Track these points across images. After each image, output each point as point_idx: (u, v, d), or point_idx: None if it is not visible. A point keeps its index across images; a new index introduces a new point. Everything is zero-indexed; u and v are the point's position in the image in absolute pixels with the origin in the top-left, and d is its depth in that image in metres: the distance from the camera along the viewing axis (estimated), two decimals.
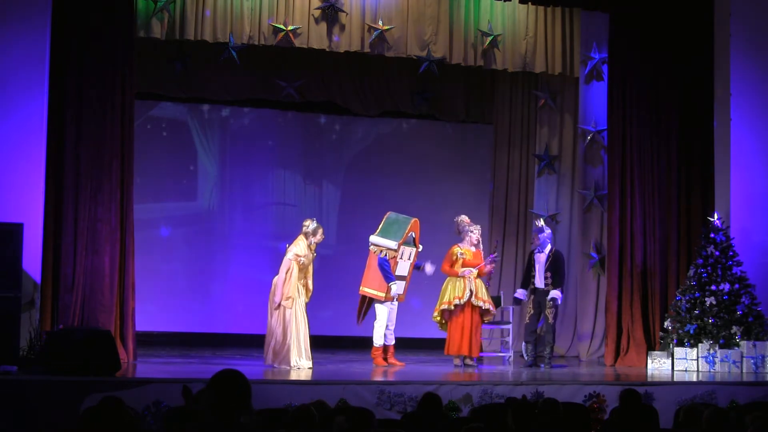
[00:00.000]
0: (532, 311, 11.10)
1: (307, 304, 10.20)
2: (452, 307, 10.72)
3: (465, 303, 10.71)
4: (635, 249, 11.56)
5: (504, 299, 11.97)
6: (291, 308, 9.95)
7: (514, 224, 13.52)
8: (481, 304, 10.75)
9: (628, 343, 11.41)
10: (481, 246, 11.06)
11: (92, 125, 10.16)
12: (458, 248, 10.89)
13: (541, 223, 11.35)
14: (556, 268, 11.06)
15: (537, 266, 11.10)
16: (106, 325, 9.83)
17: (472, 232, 10.95)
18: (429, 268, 11.00)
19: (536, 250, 11.16)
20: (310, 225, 10.25)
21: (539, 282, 11.08)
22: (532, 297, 11.11)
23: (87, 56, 10.17)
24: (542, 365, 11.08)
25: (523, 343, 11.32)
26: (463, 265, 10.80)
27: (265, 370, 9.84)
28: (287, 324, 9.94)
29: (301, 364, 9.90)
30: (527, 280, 11.22)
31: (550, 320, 11.06)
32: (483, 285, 10.89)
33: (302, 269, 10.10)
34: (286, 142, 13.78)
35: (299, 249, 10.12)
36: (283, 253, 10.23)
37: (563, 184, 13.25)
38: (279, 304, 9.95)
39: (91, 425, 4.96)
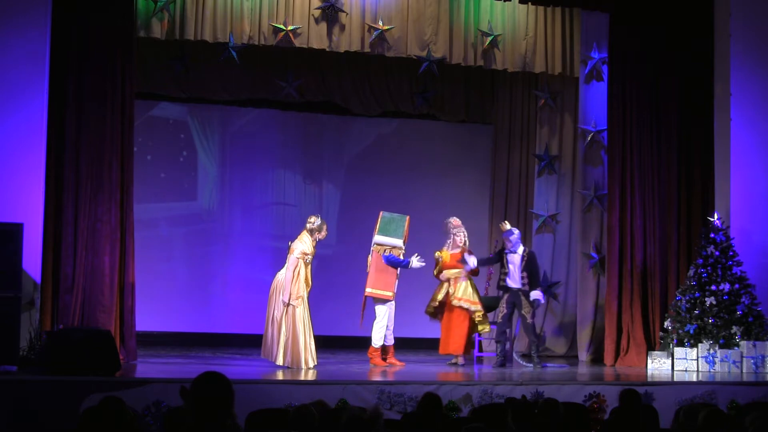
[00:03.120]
0: (504, 311, 11.10)
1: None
2: (431, 309, 11.10)
3: (445, 304, 10.97)
4: (635, 249, 11.56)
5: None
6: (300, 307, 9.97)
7: (513, 224, 13.47)
8: (461, 304, 10.86)
9: (628, 343, 11.42)
10: (462, 248, 11.07)
11: (92, 125, 10.16)
12: (437, 252, 11.14)
13: (508, 226, 11.36)
14: (531, 268, 11.10)
15: (511, 266, 11.12)
16: (106, 325, 9.83)
17: (456, 235, 11.06)
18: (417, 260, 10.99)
19: (509, 251, 11.17)
20: (315, 221, 10.27)
21: (514, 282, 11.08)
22: (506, 296, 11.12)
23: (87, 56, 10.17)
24: (530, 365, 11.08)
25: (496, 343, 11.30)
26: (443, 268, 11.04)
27: (265, 371, 9.84)
28: (297, 324, 9.95)
29: (310, 365, 9.94)
30: (487, 263, 11.33)
31: (528, 320, 11.06)
32: (468, 286, 10.93)
33: (307, 266, 10.13)
34: (286, 142, 13.78)
35: (306, 247, 10.15)
36: (285, 252, 10.22)
37: (563, 184, 13.24)
38: (288, 304, 9.96)
39: (91, 425, 4.96)
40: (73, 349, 8.62)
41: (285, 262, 10.17)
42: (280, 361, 9.93)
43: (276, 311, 10.02)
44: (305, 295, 10.08)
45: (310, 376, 9.41)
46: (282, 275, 10.09)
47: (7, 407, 7.84)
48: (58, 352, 8.62)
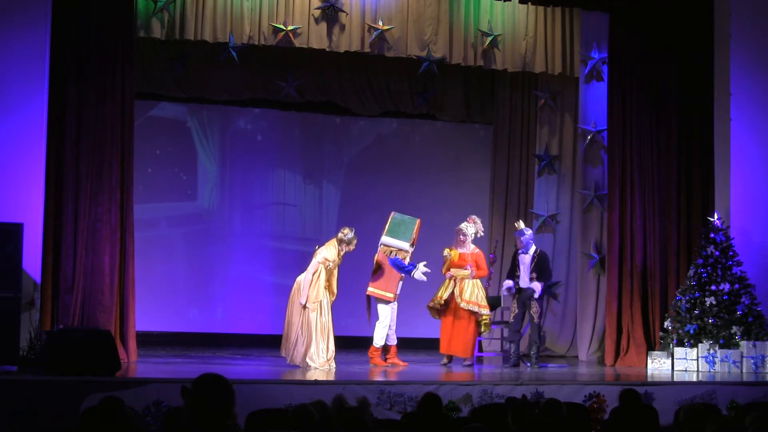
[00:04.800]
0: (516, 311, 11.12)
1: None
2: (437, 306, 11.00)
3: (450, 304, 10.92)
4: (635, 249, 11.56)
5: (504, 299, 11.97)
6: (315, 312, 9.99)
7: (514, 224, 13.51)
8: (465, 306, 10.86)
9: (628, 343, 11.42)
10: (469, 248, 11.07)
11: (92, 125, 10.16)
12: (447, 250, 11.10)
13: (521, 225, 11.38)
14: (541, 267, 11.10)
15: (522, 267, 11.12)
16: (106, 325, 9.83)
17: (457, 233, 11.05)
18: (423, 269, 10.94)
19: (521, 252, 11.18)
20: (348, 234, 10.29)
21: (524, 282, 11.08)
22: (517, 297, 11.13)
23: (87, 56, 10.17)
24: (528, 364, 11.09)
25: (508, 343, 11.34)
26: (451, 266, 11.01)
27: (265, 371, 9.85)
28: (312, 327, 9.98)
29: (320, 364, 9.95)
30: (512, 274, 11.26)
31: (536, 320, 11.06)
32: (475, 287, 10.93)
33: (328, 273, 10.14)
34: (286, 142, 13.77)
35: (330, 254, 10.17)
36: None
37: (563, 184, 13.24)
38: (305, 306, 9.98)
39: (91, 425, 4.96)
40: (73, 349, 8.62)
41: (305, 265, 10.24)
42: (297, 362, 9.98)
43: (294, 313, 10.05)
44: (325, 301, 10.10)
45: (311, 376, 9.41)
46: (302, 277, 10.12)
47: (7, 407, 7.84)
48: (58, 352, 8.62)
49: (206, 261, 13.37)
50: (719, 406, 8.19)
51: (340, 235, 10.31)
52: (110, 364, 8.69)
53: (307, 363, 9.95)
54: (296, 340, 10.02)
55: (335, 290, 10.28)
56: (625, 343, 11.45)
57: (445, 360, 11.10)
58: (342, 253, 10.30)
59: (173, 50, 12.41)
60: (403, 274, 10.71)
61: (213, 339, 12.95)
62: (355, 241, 10.34)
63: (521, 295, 11.10)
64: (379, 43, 11.37)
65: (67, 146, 10.05)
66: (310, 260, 10.23)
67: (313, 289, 10.03)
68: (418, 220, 10.97)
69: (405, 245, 10.73)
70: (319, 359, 9.96)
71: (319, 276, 10.08)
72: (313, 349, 9.97)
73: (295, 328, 10.03)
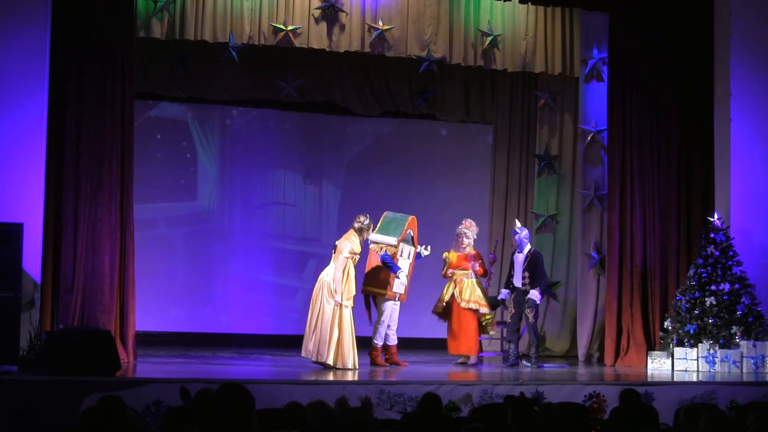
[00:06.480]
0: (513, 311, 11.14)
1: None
2: (440, 309, 11.22)
3: (452, 305, 11.07)
4: (635, 249, 11.56)
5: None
6: (349, 308, 9.98)
7: (513, 224, 13.51)
8: (464, 305, 10.93)
9: (628, 343, 11.42)
10: (467, 249, 11.12)
11: (92, 125, 10.16)
12: (445, 253, 11.25)
13: (516, 224, 11.42)
14: (533, 268, 11.09)
15: (516, 266, 11.16)
16: (106, 325, 9.83)
17: (459, 236, 11.14)
18: (424, 252, 11.07)
19: (516, 251, 11.23)
20: (364, 221, 10.31)
21: (518, 282, 11.11)
22: (513, 296, 11.16)
23: (87, 56, 10.18)
24: (528, 365, 11.10)
25: (507, 343, 11.38)
26: (450, 268, 11.19)
27: (265, 371, 9.84)
28: (345, 325, 9.97)
29: (356, 365, 10.01)
30: (509, 280, 11.30)
31: (531, 320, 11.08)
32: (474, 286, 10.99)
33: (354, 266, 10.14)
34: (286, 142, 13.77)
35: (354, 246, 10.17)
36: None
37: (563, 184, 13.24)
38: (340, 304, 9.94)
39: (91, 425, 4.96)
40: (73, 349, 8.62)
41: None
42: (330, 361, 9.90)
43: (326, 311, 9.97)
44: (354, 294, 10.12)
45: (313, 376, 9.41)
46: (328, 275, 10.08)
47: (7, 407, 7.85)
48: (58, 352, 8.62)
49: (206, 261, 13.38)
50: (719, 406, 8.20)
51: (356, 225, 10.31)
52: (110, 364, 8.69)
53: (347, 363, 9.95)
54: (332, 340, 9.89)
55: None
56: (625, 343, 11.45)
57: (461, 360, 11.15)
58: (361, 242, 10.31)
59: (173, 50, 12.40)
60: (393, 273, 10.71)
61: (213, 339, 12.95)
62: (372, 226, 10.40)
63: (516, 295, 11.12)
64: (379, 43, 11.37)
65: (67, 146, 10.05)
66: (331, 258, 10.22)
67: (346, 285, 10.00)
68: (410, 217, 10.97)
69: (392, 240, 10.72)
70: (356, 358, 10.02)
71: (348, 271, 10.06)
72: (347, 348, 9.97)
73: (329, 327, 9.90)
